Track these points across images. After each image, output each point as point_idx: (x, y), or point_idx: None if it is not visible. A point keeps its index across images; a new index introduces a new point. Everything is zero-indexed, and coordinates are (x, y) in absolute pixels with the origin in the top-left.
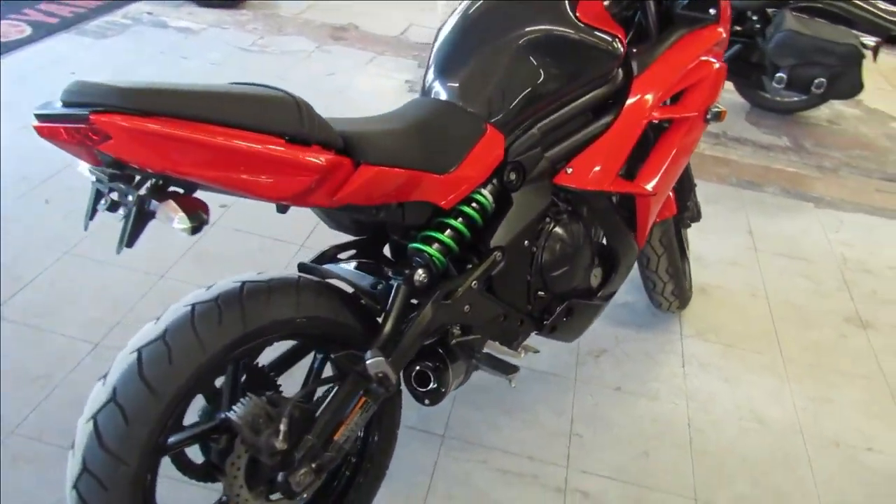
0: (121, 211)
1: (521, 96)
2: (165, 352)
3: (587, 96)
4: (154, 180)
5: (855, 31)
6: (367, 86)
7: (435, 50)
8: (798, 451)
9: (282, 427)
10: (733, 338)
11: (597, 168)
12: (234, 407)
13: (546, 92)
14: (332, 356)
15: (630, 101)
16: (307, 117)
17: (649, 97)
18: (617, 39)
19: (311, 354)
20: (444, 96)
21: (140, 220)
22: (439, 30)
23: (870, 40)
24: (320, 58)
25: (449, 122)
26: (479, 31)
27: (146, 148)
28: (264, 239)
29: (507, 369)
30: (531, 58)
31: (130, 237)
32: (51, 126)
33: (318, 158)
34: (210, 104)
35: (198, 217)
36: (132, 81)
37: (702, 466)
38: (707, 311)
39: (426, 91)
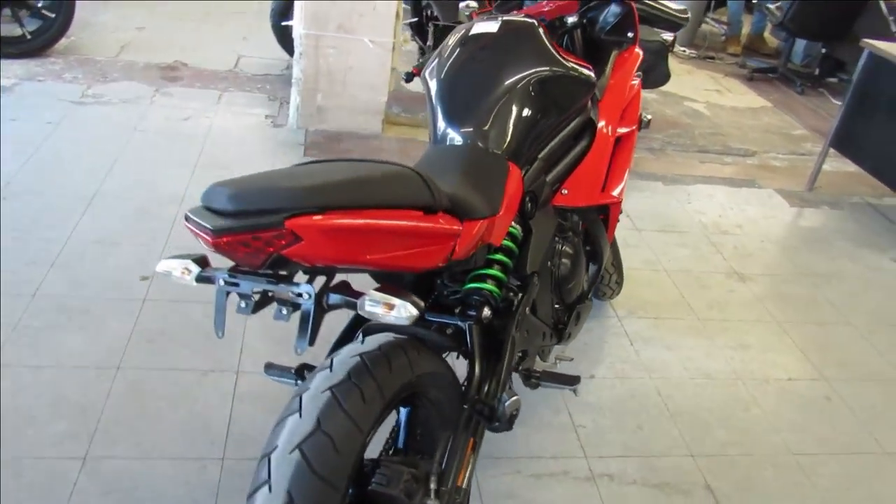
0: (283, 310)
1: (528, 131)
2: (329, 442)
3: (573, 123)
4: (326, 274)
5: (655, 29)
6: (231, 126)
7: (436, 96)
8: (742, 394)
9: (432, 486)
10: (656, 310)
11: (586, 186)
12: (375, 480)
13: (546, 124)
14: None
15: (600, 123)
16: (433, 188)
17: (613, 118)
18: (588, 70)
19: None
20: (461, 140)
21: (319, 315)
22: (427, 74)
23: (667, 35)
24: (165, 102)
25: (485, 166)
26: (478, 76)
27: (335, 243)
28: (205, 305)
29: (571, 381)
30: (531, 94)
31: (313, 334)
32: (234, 237)
33: (453, 225)
34: (369, 190)
35: (413, 301)
36: (284, 177)
37: (683, 425)
38: (627, 291)
39: (441, 137)
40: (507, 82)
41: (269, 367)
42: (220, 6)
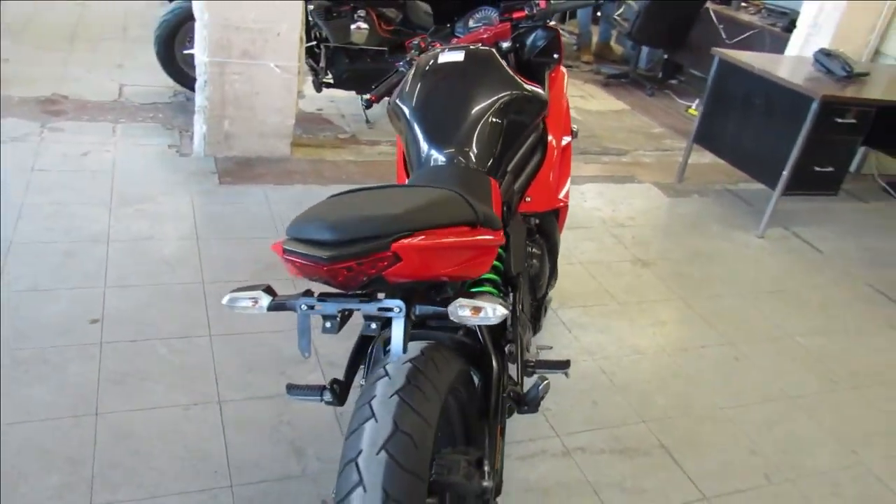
0: (371, 325)
1: (500, 147)
2: (409, 439)
3: (531, 137)
4: (411, 289)
5: None
6: (135, 158)
7: (417, 121)
8: (669, 363)
9: (486, 468)
10: (583, 299)
11: (545, 192)
12: (435, 471)
13: (513, 140)
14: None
15: (550, 136)
16: (475, 206)
17: (558, 130)
18: (540, 90)
19: None
20: (446, 159)
21: (409, 326)
22: (401, 102)
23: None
24: (56, 137)
25: (475, 181)
26: (454, 100)
27: (426, 261)
28: (167, 340)
29: (562, 365)
30: (501, 115)
31: (405, 343)
32: (345, 264)
33: (497, 236)
34: (438, 212)
35: (501, 302)
36: (367, 205)
37: (629, 396)
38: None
39: (426, 158)
40: (480, 105)
41: (292, 388)
42: (84, 31)
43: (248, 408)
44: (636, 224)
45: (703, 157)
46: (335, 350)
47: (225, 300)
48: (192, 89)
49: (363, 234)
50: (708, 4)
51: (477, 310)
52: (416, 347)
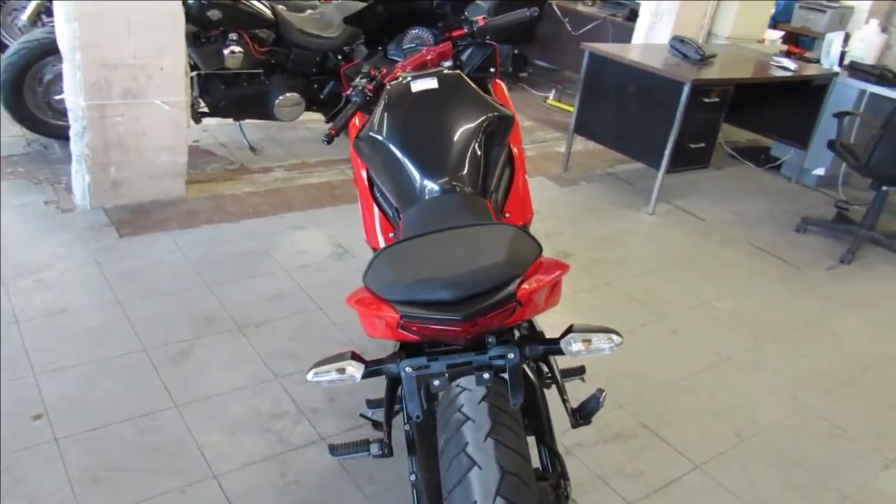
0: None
1: (486, 168)
2: (517, 479)
3: (503, 154)
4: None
5: None
6: (11, 222)
7: (403, 153)
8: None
9: (565, 489)
10: None
11: (520, 206)
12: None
13: (495, 159)
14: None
15: (514, 149)
16: (534, 237)
17: (518, 143)
18: (507, 108)
19: None
20: (444, 189)
21: (522, 368)
22: (377, 134)
23: None
24: None
25: (480, 207)
26: (439, 128)
27: (537, 301)
28: (131, 421)
29: (578, 372)
30: (482, 136)
31: (522, 387)
32: (477, 322)
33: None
34: (523, 252)
35: (612, 330)
36: (467, 256)
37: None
38: None
39: (421, 190)
40: (465, 131)
41: (336, 449)
42: None
43: (248, 476)
44: (543, 217)
45: (577, 145)
46: (311, 396)
47: (310, 377)
48: (50, 136)
49: (485, 287)
50: (551, 1)
51: (588, 342)
52: (472, 382)
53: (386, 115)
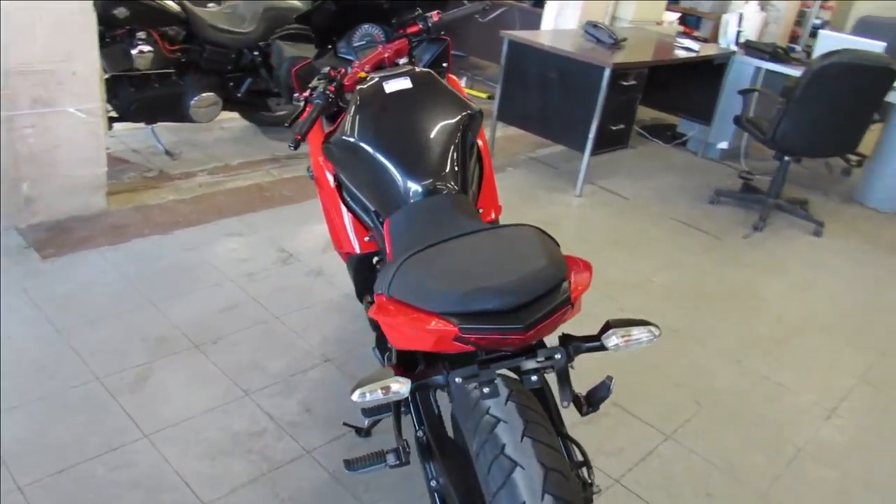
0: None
1: (465, 168)
2: (559, 475)
3: (474, 149)
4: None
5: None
6: None
7: (382, 156)
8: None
9: (587, 476)
10: None
11: (491, 200)
12: None
13: (469, 156)
14: None
15: (480, 143)
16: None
17: (482, 136)
18: (473, 102)
19: None
20: (428, 190)
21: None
22: (351, 138)
23: None
24: None
25: (467, 206)
26: (418, 129)
27: (580, 300)
28: (100, 458)
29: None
30: (459, 134)
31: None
32: (538, 328)
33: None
34: (556, 250)
35: (651, 322)
36: (511, 263)
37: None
38: None
39: (405, 193)
40: (444, 130)
41: (352, 463)
42: None
43: (238, 500)
44: None
45: (496, 132)
46: (287, 409)
47: (355, 397)
48: None
49: (540, 292)
50: None
51: (628, 336)
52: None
53: (360, 117)
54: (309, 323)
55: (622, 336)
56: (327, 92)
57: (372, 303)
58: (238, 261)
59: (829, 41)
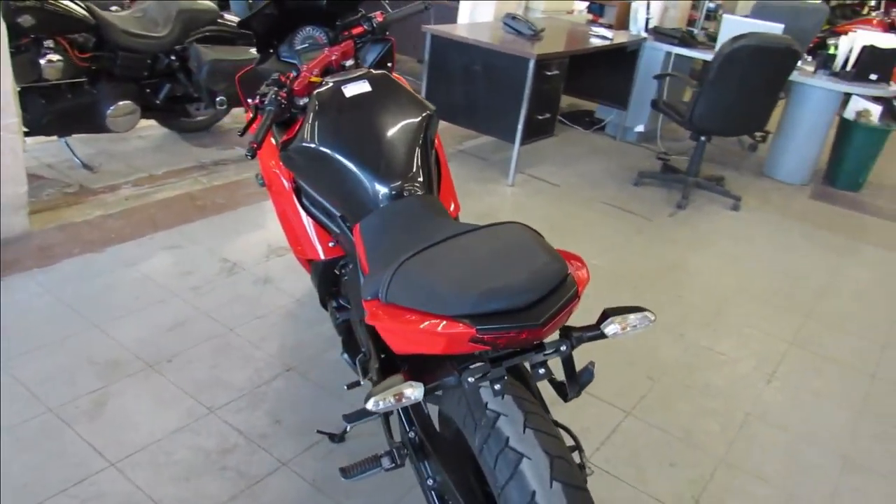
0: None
1: (429, 168)
2: (563, 462)
3: (434, 150)
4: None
5: (246, 48)
6: None
7: (348, 160)
8: None
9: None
10: None
11: (452, 197)
12: None
13: (431, 156)
14: None
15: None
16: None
17: (439, 138)
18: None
19: None
20: (396, 193)
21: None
22: (312, 144)
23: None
24: None
25: (438, 207)
26: (383, 133)
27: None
28: (67, 493)
29: None
30: (423, 134)
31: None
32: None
33: None
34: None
35: (645, 308)
36: (513, 261)
37: None
38: None
39: (373, 197)
40: (407, 132)
41: (348, 471)
42: None
43: None
44: None
45: None
46: (256, 423)
47: (370, 406)
48: None
49: (550, 288)
50: None
51: (625, 323)
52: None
53: (320, 123)
54: (264, 333)
55: (620, 323)
56: (279, 98)
57: (340, 308)
58: (180, 274)
59: (732, 25)
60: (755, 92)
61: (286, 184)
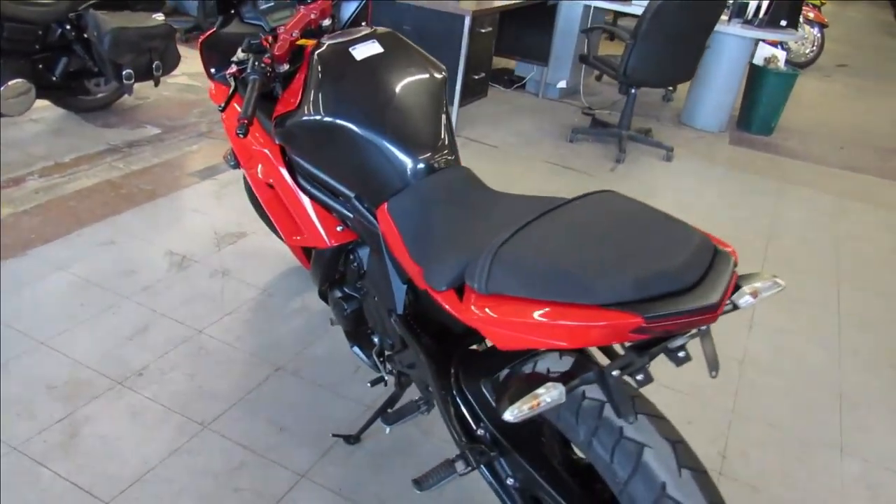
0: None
1: (453, 136)
2: (683, 445)
3: None
4: None
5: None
6: None
7: (370, 132)
8: None
9: None
10: None
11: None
12: None
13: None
14: None
15: None
16: None
17: None
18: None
19: None
20: (429, 164)
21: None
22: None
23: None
24: None
25: (474, 177)
26: (405, 99)
27: None
28: None
29: None
30: (442, 98)
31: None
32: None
33: None
34: None
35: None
36: (643, 233)
37: None
38: None
39: (404, 172)
40: (427, 96)
41: (422, 482)
42: None
43: None
44: None
45: None
46: (258, 434)
47: (511, 417)
48: None
49: (708, 262)
50: None
51: (757, 291)
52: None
53: (329, 91)
54: (238, 331)
55: (751, 293)
56: (264, 65)
57: (346, 297)
58: (124, 274)
59: None
60: (685, 41)
61: (278, 164)
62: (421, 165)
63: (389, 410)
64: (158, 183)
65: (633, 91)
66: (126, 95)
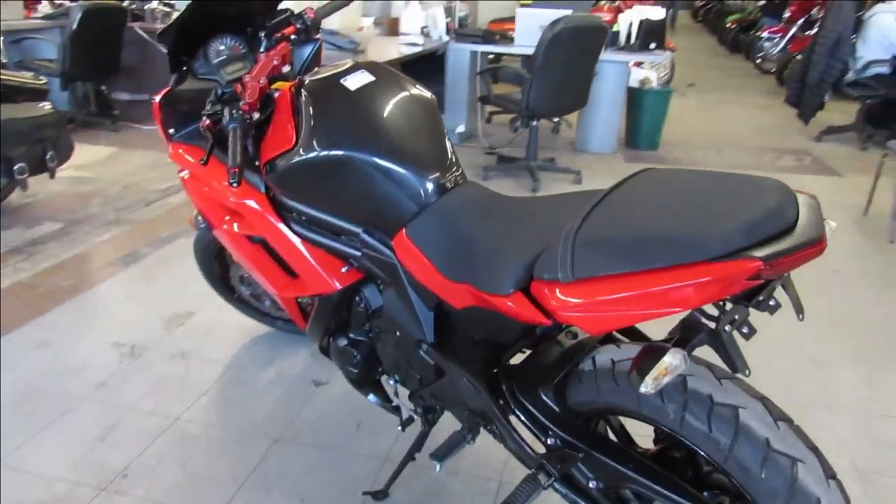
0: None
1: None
2: (788, 423)
3: None
4: None
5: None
6: None
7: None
8: None
9: None
10: None
11: None
12: None
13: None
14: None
15: None
16: None
17: None
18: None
19: None
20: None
21: None
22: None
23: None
24: None
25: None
26: (405, 126)
27: None
28: None
29: None
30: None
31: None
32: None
33: None
34: None
35: None
36: (738, 180)
37: None
38: None
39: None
40: (427, 118)
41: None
42: None
43: None
44: None
45: None
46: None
47: (650, 389)
48: None
49: (795, 201)
50: (131, 24)
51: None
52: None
53: (329, 124)
54: (219, 411)
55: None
56: (243, 113)
57: (353, 343)
58: (71, 374)
59: (527, 17)
60: (578, 70)
61: (267, 212)
62: (434, 187)
63: (420, 450)
64: (77, 277)
65: (534, 123)
66: (11, 193)
